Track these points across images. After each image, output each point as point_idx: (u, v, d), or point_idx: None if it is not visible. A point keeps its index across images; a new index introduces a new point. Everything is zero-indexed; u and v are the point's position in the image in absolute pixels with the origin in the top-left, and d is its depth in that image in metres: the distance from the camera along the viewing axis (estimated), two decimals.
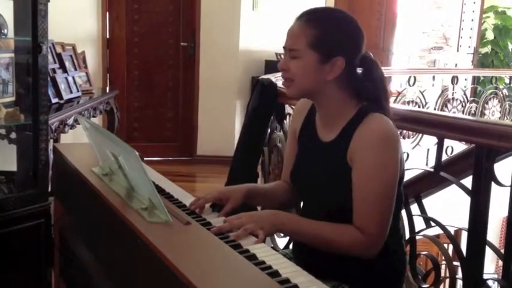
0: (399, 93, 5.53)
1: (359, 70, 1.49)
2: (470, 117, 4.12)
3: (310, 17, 1.45)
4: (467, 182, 1.82)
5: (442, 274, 2.17)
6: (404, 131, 4.93)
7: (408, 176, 2.40)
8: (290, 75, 1.46)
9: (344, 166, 1.41)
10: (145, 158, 1.84)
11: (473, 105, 6.17)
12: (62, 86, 3.42)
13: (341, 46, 1.44)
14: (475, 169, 1.74)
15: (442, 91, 6.06)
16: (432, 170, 1.99)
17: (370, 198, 1.37)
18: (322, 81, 1.44)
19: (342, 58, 1.42)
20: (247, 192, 1.59)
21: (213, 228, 1.33)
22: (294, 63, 1.45)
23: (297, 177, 1.61)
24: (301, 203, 1.79)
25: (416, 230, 2.01)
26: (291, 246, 2.34)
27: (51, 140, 2.82)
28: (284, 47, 1.48)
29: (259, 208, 1.79)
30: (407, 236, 2.02)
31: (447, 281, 2.06)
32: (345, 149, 1.41)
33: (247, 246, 1.23)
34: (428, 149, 4.56)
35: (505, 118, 6.33)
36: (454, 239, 1.92)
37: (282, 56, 1.52)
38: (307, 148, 1.59)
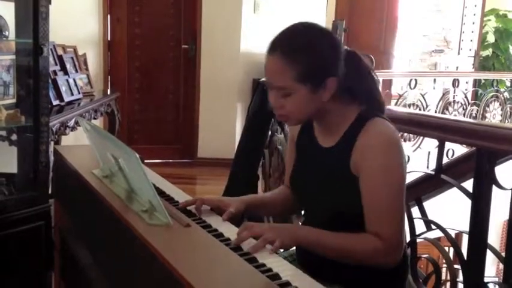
0: (400, 96, 5.53)
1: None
2: (471, 120, 4.12)
3: (286, 49, 1.37)
4: (468, 185, 1.81)
5: (443, 277, 2.17)
6: (405, 134, 4.93)
7: (409, 179, 2.40)
8: (286, 113, 1.42)
9: (346, 174, 1.39)
10: (146, 161, 1.83)
11: (474, 108, 6.17)
12: (63, 88, 3.42)
13: (328, 68, 1.38)
14: (476, 172, 1.73)
15: (443, 94, 6.05)
16: (433, 172, 1.99)
17: (383, 204, 1.35)
18: (320, 104, 1.41)
19: (332, 78, 1.38)
20: (249, 203, 1.59)
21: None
22: (288, 101, 1.39)
23: (297, 183, 1.60)
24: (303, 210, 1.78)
25: (417, 233, 2.01)
26: (291, 249, 2.34)
27: (52, 142, 2.81)
28: (267, 82, 1.42)
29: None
30: (408, 239, 2.02)
31: (448, 284, 2.06)
32: (347, 157, 1.39)
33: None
34: (429, 152, 4.56)
35: (506, 121, 6.34)
36: (455, 242, 1.91)
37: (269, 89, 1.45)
38: (306, 153, 1.57)
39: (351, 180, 1.39)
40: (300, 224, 1.67)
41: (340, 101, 1.44)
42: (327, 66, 1.38)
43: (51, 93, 3.17)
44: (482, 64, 8.16)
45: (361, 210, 1.38)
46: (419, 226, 2.02)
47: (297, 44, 1.38)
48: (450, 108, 5.93)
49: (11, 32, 2.73)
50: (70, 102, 3.46)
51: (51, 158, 2.52)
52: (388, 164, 1.36)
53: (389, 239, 1.34)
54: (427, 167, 4.15)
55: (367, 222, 1.37)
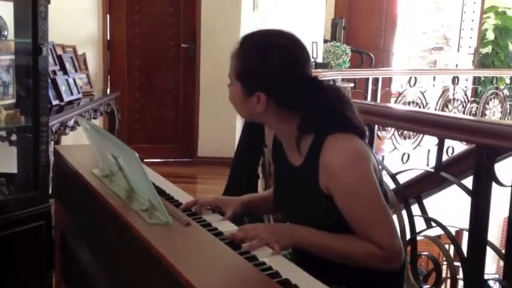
0: (400, 93, 5.53)
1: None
2: (471, 118, 4.12)
3: (240, 45, 1.43)
4: (468, 182, 1.81)
5: (443, 275, 2.17)
6: (405, 132, 4.93)
7: (409, 176, 2.40)
8: (230, 100, 1.47)
9: (318, 193, 1.39)
10: (145, 160, 1.84)
11: (474, 105, 6.17)
12: (63, 88, 3.42)
13: (261, 82, 1.39)
14: (476, 169, 1.73)
15: (443, 91, 6.06)
16: (433, 170, 1.99)
17: (367, 218, 1.35)
18: (254, 112, 1.42)
19: (262, 94, 1.39)
20: (246, 203, 1.61)
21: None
22: (229, 90, 1.46)
23: (277, 204, 1.61)
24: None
25: (417, 230, 2.01)
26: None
27: (52, 142, 2.81)
28: None
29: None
30: (408, 236, 2.02)
31: (448, 281, 2.06)
32: (314, 177, 1.38)
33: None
34: (429, 150, 4.56)
35: (506, 118, 6.33)
36: (455, 239, 1.91)
37: None
38: (281, 170, 1.58)
39: (324, 199, 1.39)
40: None
41: (290, 123, 1.43)
42: (260, 80, 1.39)
43: (51, 93, 3.17)
44: (481, 61, 8.16)
45: (343, 218, 1.37)
46: (420, 224, 2.02)
47: (247, 45, 1.43)
48: (450, 106, 5.93)
49: (10, 32, 2.73)
50: (70, 102, 3.45)
51: (51, 157, 2.52)
52: (357, 178, 1.35)
53: (388, 247, 1.34)
54: (427, 165, 4.15)
55: (358, 235, 1.36)
